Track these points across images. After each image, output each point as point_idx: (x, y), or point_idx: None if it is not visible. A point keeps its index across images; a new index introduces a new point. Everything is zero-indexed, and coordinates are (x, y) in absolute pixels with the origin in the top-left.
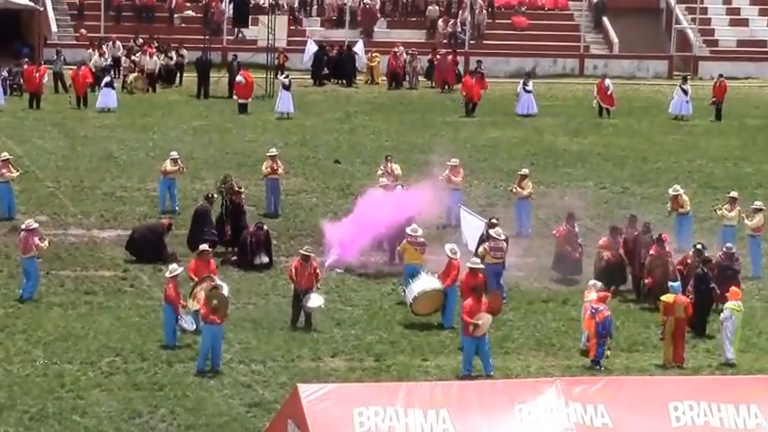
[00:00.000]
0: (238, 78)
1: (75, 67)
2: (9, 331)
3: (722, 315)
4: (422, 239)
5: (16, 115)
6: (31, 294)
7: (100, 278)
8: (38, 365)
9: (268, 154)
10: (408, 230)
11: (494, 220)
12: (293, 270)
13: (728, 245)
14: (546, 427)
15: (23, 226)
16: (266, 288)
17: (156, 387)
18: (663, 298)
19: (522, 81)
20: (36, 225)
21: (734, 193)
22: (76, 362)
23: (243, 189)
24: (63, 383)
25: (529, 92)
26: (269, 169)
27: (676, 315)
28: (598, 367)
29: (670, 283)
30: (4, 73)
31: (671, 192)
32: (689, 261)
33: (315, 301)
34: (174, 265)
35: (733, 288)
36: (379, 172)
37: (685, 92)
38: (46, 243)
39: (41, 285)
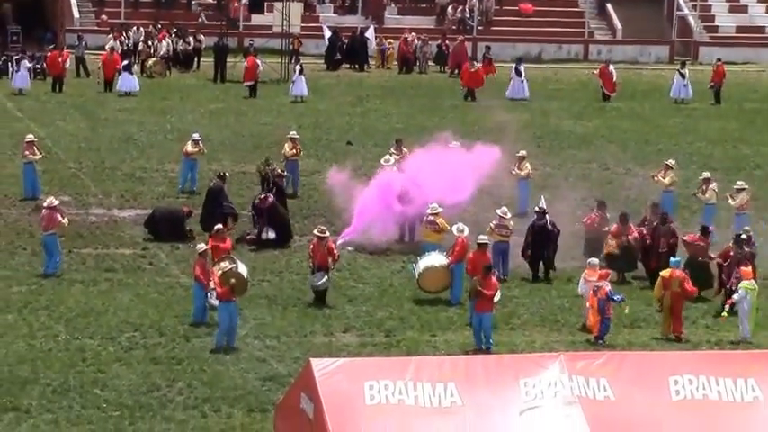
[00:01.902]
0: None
1: (105, 52)
2: (32, 307)
3: (737, 295)
4: (431, 218)
5: (40, 99)
6: (55, 270)
7: (120, 256)
8: (60, 340)
9: (288, 136)
10: (428, 209)
11: (536, 209)
12: (311, 248)
13: (746, 228)
14: (550, 399)
15: (45, 204)
16: (280, 266)
17: (174, 361)
18: (661, 273)
19: (513, 66)
20: (57, 202)
21: (706, 174)
22: (97, 337)
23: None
24: (84, 358)
25: (521, 76)
26: (293, 151)
27: (672, 289)
28: (601, 342)
29: (671, 259)
30: (27, 62)
31: (666, 161)
32: (731, 253)
33: (319, 278)
34: (201, 244)
35: (743, 268)
36: (391, 159)
37: (683, 76)
38: (66, 221)
39: (63, 263)
